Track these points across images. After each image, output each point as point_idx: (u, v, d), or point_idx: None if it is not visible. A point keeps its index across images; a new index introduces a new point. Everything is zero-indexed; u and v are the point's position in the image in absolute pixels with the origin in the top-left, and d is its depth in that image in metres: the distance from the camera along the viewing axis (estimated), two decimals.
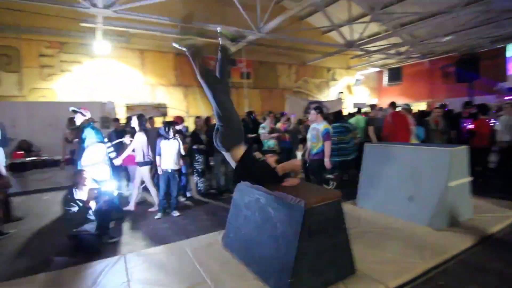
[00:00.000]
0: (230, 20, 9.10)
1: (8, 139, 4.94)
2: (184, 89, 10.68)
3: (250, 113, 7.83)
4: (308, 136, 4.69)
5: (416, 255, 2.85)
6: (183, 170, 5.32)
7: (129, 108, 9.38)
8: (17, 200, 4.76)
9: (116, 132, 6.06)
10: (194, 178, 5.76)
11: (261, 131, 5.98)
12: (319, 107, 4.69)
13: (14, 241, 3.67)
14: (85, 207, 3.22)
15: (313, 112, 4.57)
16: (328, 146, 4.33)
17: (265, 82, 12.43)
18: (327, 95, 14.09)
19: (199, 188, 5.72)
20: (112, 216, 3.78)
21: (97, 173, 3.81)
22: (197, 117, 6.45)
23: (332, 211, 2.46)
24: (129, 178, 5.76)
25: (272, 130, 5.96)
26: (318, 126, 4.45)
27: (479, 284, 2.42)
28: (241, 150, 2.63)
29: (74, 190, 3.36)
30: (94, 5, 6.25)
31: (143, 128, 4.78)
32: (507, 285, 2.41)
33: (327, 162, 4.36)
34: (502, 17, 8.43)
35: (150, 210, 4.80)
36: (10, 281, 2.70)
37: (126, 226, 4.16)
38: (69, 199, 3.26)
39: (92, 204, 3.33)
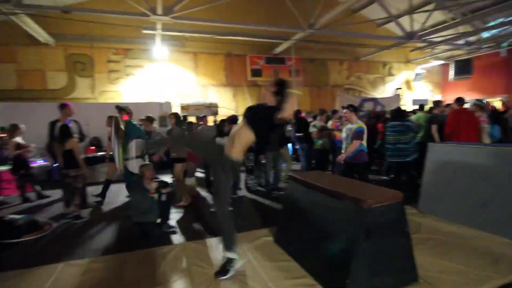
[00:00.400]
0: (280, 19, 9.10)
1: (84, 136, 5.62)
2: (233, 89, 11.01)
3: (297, 112, 7.70)
4: (343, 135, 4.48)
5: (489, 268, 2.53)
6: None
7: (184, 107, 10.00)
8: (89, 189, 5.40)
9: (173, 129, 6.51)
10: (244, 176, 5.90)
11: (312, 129, 5.87)
12: (352, 105, 4.46)
13: (89, 225, 4.17)
14: (149, 197, 3.52)
15: (345, 111, 4.35)
16: (355, 145, 4.06)
17: (315, 80, 12.17)
18: (382, 92, 13.23)
19: (248, 185, 5.83)
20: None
21: (136, 166, 4.08)
22: None
23: (392, 213, 2.30)
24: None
25: (323, 128, 5.81)
26: (352, 125, 4.22)
27: None
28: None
29: (139, 180, 3.70)
30: (154, 13, 6.79)
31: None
32: None
33: (340, 157, 4.16)
34: None
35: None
36: (84, 259, 3.07)
37: (183, 217, 4.44)
38: (135, 188, 3.59)
39: (155, 195, 3.62)
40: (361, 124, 4.18)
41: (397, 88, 13.05)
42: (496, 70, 12.08)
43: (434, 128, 5.39)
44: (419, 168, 4.70)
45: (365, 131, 4.16)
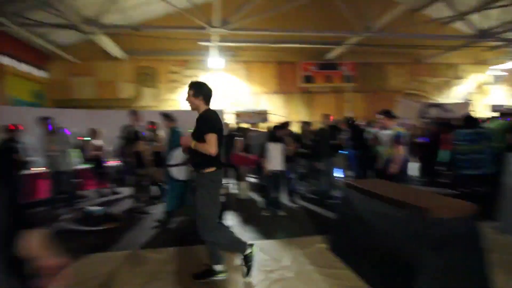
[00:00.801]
0: (335, 23, 8.91)
1: (154, 141, 6.16)
2: (284, 96, 11.08)
3: (349, 119, 7.38)
4: (382, 141, 4.26)
5: None
6: (288, 174, 5.49)
7: (238, 114, 10.36)
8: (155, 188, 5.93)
9: (229, 135, 6.80)
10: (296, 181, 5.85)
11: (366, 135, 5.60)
12: (388, 111, 4.30)
13: (153, 219, 4.55)
14: None
15: (380, 116, 4.19)
16: (400, 152, 3.80)
17: (371, 85, 11.60)
18: (449, 97, 12.00)
19: (299, 192, 5.77)
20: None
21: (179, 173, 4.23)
22: (303, 122, 6.63)
23: (463, 226, 2.08)
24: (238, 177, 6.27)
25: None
26: (389, 132, 4.02)
27: None
28: None
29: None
30: (211, 25, 7.26)
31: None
32: None
33: (393, 168, 3.83)
34: None
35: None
36: (147, 249, 3.38)
37: (238, 218, 4.59)
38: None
39: None
40: (400, 129, 4.00)
41: (468, 93, 11.72)
42: None
43: None
44: (496, 181, 4.13)
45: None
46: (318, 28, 8.75)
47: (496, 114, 6.67)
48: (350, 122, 5.89)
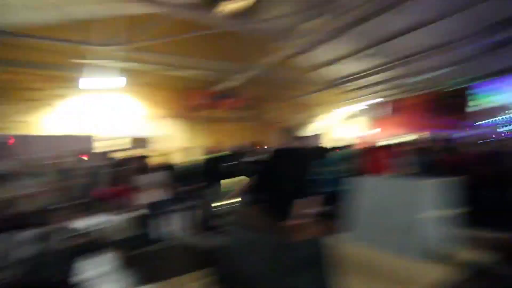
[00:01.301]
0: (225, 56, 9.46)
1: None
2: (181, 123, 10.81)
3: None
4: None
5: None
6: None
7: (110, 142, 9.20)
8: None
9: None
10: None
11: None
12: None
13: None
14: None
15: None
16: None
17: (257, 117, 12.67)
18: (314, 130, 14.20)
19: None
20: None
21: None
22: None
23: (314, 246, 2.33)
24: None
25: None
26: None
27: None
28: None
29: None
30: (90, 44, 6.51)
31: None
32: None
33: None
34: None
35: None
36: None
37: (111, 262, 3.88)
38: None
39: None
40: None
41: (325, 127, 14.20)
42: (415, 110, 14.03)
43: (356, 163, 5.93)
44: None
45: None
46: (210, 58, 9.11)
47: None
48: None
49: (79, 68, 8.35)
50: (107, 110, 9.55)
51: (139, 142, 9.71)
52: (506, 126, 6.07)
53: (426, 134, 8.99)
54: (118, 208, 5.29)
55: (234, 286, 2.53)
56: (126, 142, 9.38)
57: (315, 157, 5.60)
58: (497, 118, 9.46)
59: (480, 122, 10.40)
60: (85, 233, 3.30)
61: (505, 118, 8.70)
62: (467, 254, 3.55)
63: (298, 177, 2.77)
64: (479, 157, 5.43)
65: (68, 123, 8.89)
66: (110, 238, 4.94)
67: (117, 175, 5.14)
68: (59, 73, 8.76)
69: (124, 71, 9.40)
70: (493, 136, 6.92)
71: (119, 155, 7.07)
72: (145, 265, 3.88)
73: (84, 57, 7.62)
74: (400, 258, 3.48)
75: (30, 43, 7.08)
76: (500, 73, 10.32)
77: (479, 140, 6.71)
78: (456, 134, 9.48)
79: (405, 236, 3.54)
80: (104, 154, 6.54)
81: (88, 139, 8.35)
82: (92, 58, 7.57)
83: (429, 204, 3.45)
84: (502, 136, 5.95)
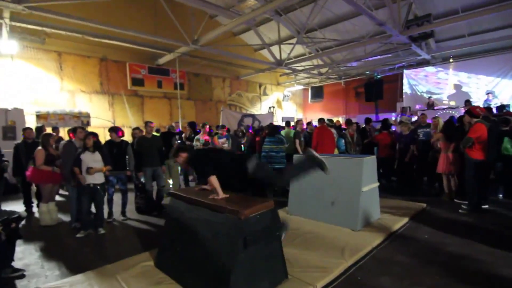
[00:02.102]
0: (163, 30, 8.89)
1: None
2: (109, 98, 9.86)
3: (191, 123, 7.58)
4: None
5: (339, 255, 3.19)
6: (122, 186, 4.88)
7: (41, 116, 8.19)
8: None
9: (26, 144, 5.23)
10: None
11: (195, 143, 5.92)
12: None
13: None
14: None
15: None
16: None
17: (200, 94, 12.39)
18: (259, 109, 14.75)
19: (137, 205, 5.29)
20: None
21: None
22: (135, 128, 6.15)
23: (266, 220, 2.57)
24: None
25: (207, 143, 5.95)
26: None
27: (389, 275, 2.84)
28: None
29: None
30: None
31: None
32: (410, 274, 2.88)
33: None
34: (398, 49, 10.27)
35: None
36: None
37: (42, 250, 3.58)
38: None
39: None
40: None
41: (271, 107, 14.86)
42: (338, 96, 15.61)
43: (297, 142, 6.45)
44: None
45: None
46: (148, 31, 8.40)
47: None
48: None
49: None
50: (27, 80, 8.17)
51: (79, 118, 8.68)
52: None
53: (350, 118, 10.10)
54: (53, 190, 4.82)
55: (185, 265, 2.68)
56: (64, 118, 8.32)
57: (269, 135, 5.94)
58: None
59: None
60: (17, 218, 2.96)
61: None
62: (387, 220, 4.34)
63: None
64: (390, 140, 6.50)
65: None
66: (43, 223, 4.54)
67: (53, 153, 4.60)
68: None
69: (39, 35, 8.15)
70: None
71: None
72: (96, 247, 3.73)
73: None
74: (337, 228, 4.02)
75: None
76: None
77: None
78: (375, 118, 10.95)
79: (343, 209, 4.07)
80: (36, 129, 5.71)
81: (7, 113, 7.12)
82: (5, 18, 6.30)
83: (365, 179, 4.03)
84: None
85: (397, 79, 13.07)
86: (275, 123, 12.50)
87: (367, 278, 2.81)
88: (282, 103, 16.10)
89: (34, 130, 5.65)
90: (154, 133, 5.80)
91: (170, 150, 5.80)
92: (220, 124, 9.95)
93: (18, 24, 6.89)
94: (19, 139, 5.98)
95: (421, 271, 2.90)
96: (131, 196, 5.24)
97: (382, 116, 11.78)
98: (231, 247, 2.33)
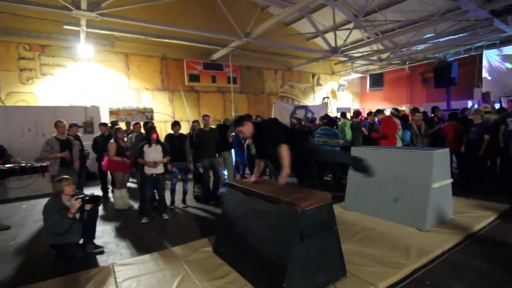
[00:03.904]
0: (217, 26, 9.14)
1: None
2: (169, 94, 10.58)
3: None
4: None
5: (403, 256, 2.92)
6: (183, 176, 5.24)
7: (113, 112, 9.19)
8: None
9: (102, 137, 5.93)
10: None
11: None
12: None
13: None
14: (68, 217, 3.10)
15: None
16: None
17: (251, 87, 12.52)
18: (312, 100, 14.32)
19: (195, 194, 5.64)
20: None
21: None
22: (194, 121, 6.55)
23: (323, 214, 2.48)
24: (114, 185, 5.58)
25: None
26: None
27: (462, 282, 2.51)
28: None
29: (56, 198, 3.24)
30: (78, 8, 6.12)
31: None
32: (487, 281, 2.51)
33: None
34: (477, 26, 8.89)
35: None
36: None
37: (115, 233, 4.04)
38: (51, 208, 3.12)
39: (77, 213, 3.21)
40: None
41: (325, 97, 14.30)
42: (401, 83, 14.25)
43: (364, 130, 6.13)
44: (344, 170, 5.23)
45: None
46: (203, 28, 8.74)
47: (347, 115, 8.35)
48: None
49: (73, 36, 8.00)
50: (101, 81, 9.25)
51: (145, 113, 9.60)
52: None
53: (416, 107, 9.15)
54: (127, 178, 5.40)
55: (240, 252, 2.73)
56: (131, 114, 9.30)
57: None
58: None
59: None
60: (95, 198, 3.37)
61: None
62: (462, 222, 3.85)
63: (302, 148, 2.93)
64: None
65: (66, 94, 8.66)
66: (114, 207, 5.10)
67: (123, 145, 5.15)
68: (50, 41, 8.37)
69: (110, 39, 9.05)
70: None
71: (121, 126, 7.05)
72: (161, 231, 4.08)
73: (76, 24, 7.21)
74: (401, 226, 3.70)
75: (13, 9, 6.63)
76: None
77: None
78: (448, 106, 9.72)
79: (408, 206, 3.73)
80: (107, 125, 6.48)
81: (86, 110, 8.19)
82: (82, 25, 7.17)
83: (435, 174, 3.63)
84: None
85: (475, 61, 11.36)
86: (329, 114, 12.02)
87: (437, 283, 2.52)
88: (337, 93, 15.37)
89: (109, 124, 6.38)
90: (212, 126, 6.05)
91: (225, 142, 6.01)
92: (272, 116, 9.93)
93: (92, 30, 7.76)
94: (97, 133, 6.79)
95: (501, 280, 2.49)
96: (190, 186, 5.57)
97: (455, 104, 10.43)
98: (288, 239, 2.29)
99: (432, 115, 7.01)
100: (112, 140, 5.08)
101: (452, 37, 9.89)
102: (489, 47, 10.65)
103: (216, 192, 5.59)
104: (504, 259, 2.88)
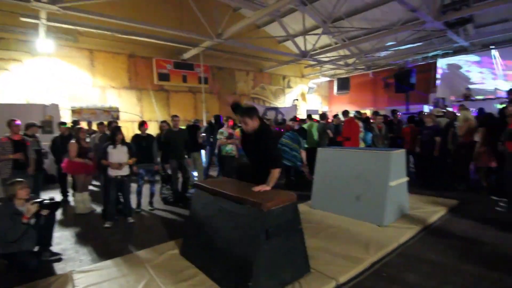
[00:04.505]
0: (188, 25, 9.01)
1: None
2: (137, 93, 10.23)
3: (217, 117, 7.69)
4: None
5: (363, 251, 3.10)
6: (150, 178, 5.08)
7: (75, 111, 8.70)
8: None
9: (62, 137, 5.59)
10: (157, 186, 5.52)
11: (219, 136, 5.98)
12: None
13: None
14: (22, 222, 2.90)
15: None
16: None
17: (223, 88, 12.47)
18: (283, 102, 14.59)
19: (163, 196, 5.50)
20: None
21: None
22: (163, 121, 6.39)
23: (288, 213, 2.56)
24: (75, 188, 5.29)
25: (230, 136, 5.99)
26: None
27: (415, 273, 2.71)
28: None
29: (8, 202, 3.01)
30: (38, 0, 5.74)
31: None
32: (438, 271, 2.74)
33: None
34: (432, 36, 9.63)
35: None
36: None
37: (73, 239, 3.83)
38: (2, 214, 2.90)
39: (32, 218, 3.01)
40: None
41: (294, 100, 14.64)
42: (366, 87, 15.02)
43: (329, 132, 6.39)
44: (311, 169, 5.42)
45: None
46: (173, 26, 8.56)
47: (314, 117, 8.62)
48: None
49: (31, 29, 7.44)
50: (62, 77, 8.69)
51: (110, 112, 9.16)
52: None
53: (377, 110, 9.70)
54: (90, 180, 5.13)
55: (207, 253, 2.73)
56: (96, 113, 8.82)
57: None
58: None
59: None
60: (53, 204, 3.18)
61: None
62: (417, 217, 4.15)
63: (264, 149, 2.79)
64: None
65: (23, 90, 8.03)
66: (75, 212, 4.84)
67: (85, 146, 4.89)
68: (5, 34, 7.73)
69: (74, 34, 8.58)
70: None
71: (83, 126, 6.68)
72: (125, 235, 3.93)
73: (35, 17, 6.73)
74: (362, 223, 3.90)
75: None
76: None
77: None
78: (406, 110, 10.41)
79: (369, 203, 3.94)
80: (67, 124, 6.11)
81: (45, 108, 7.65)
82: (42, 18, 6.71)
83: (393, 173, 3.88)
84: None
85: (430, 69, 12.30)
86: (299, 116, 12.33)
87: (393, 274, 2.71)
88: (306, 96, 15.80)
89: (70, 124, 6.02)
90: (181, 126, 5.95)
91: (195, 143, 5.95)
92: None
93: (53, 24, 7.29)
94: (56, 132, 6.39)
95: (451, 270, 2.74)
96: (157, 187, 5.43)
97: (413, 108, 11.20)
98: (254, 239, 2.34)
99: (392, 117, 7.50)
100: (73, 141, 4.82)
101: (411, 45, 10.64)
102: (443, 55, 11.60)
103: (185, 194, 5.51)
104: (453, 249, 3.16)
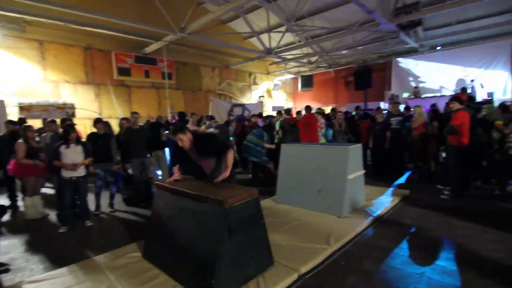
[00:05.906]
0: (150, 18, 8.64)
1: None
2: (95, 88, 9.63)
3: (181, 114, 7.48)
4: None
5: (323, 241, 3.26)
6: (109, 178, 4.83)
7: (24, 108, 7.97)
8: None
9: (8, 136, 5.11)
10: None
11: None
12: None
13: None
14: None
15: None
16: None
17: (188, 84, 12.20)
18: (249, 98, 14.65)
19: (125, 197, 5.25)
20: None
21: None
22: (123, 119, 6.07)
23: (251, 208, 2.61)
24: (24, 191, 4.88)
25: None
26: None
27: (370, 259, 2.93)
28: None
29: None
30: None
31: None
32: (390, 257, 2.98)
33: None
34: (387, 37, 10.26)
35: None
36: None
37: (26, 245, 3.55)
38: None
39: None
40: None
41: (260, 96, 14.77)
42: (328, 85, 15.61)
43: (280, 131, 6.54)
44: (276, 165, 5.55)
45: None
46: (134, 18, 8.14)
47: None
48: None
49: None
50: (8, 71, 7.88)
51: (66, 109, 8.47)
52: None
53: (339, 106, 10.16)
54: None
55: (168, 253, 2.70)
56: (48, 110, 8.12)
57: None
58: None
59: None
60: None
61: None
62: (372, 207, 4.44)
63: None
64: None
65: None
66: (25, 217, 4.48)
67: (34, 146, 4.51)
68: None
69: (19, 23, 7.84)
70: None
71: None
72: (83, 240, 3.72)
73: None
74: (323, 215, 4.09)
75: None
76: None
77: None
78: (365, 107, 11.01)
79: (329, 196, 4.13)
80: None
81: None
82: None
83: (350, 167, 4.08)
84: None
85: (386, 68, 13.11)
86: (265, 112, 12.47)
87: (349, 262, 2.89)
88: (272, 93, 16.02)
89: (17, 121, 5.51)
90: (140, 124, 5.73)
91: (159, 141, 5.77)
92: (210, 113, 9.86)
93: None
94: (2, 131, 5.82)
95: (401, 255, 3.00)
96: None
97: (371, 105, 11.86)
98: (216, 236, 2.35)
99: (354, 113, 7.91)
100: (20, 140, 4.42)
101: (368, 45, 11.24)
102: (397, 55, 12.43)
103: (148, 194, 5.33)
104: (403, 236, 3.45)
